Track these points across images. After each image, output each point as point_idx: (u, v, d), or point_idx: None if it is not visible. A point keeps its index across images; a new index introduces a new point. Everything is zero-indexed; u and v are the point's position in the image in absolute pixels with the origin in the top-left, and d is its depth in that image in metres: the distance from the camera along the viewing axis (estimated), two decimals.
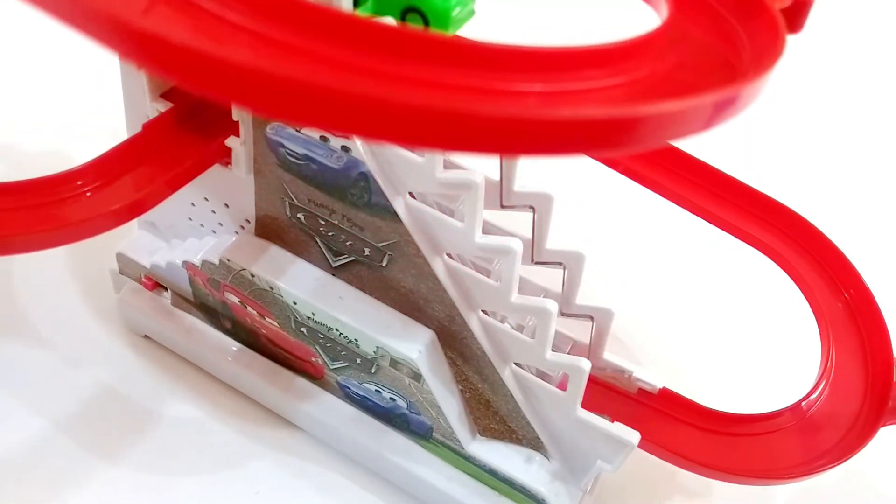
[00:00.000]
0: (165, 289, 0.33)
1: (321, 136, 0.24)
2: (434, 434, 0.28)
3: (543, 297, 0.27)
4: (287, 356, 0.31)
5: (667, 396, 0.29)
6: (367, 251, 0.26)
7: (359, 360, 0.28)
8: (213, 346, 0.32)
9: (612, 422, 0.26)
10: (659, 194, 0.31)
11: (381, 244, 0.26)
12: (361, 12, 0.21)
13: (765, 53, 0.17)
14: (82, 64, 0.43)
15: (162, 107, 0.26)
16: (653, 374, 0.29)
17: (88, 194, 0.24)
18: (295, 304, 0.27)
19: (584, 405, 0.26)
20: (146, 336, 0.34)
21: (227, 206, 0.30)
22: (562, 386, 0.26)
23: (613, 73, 0.16)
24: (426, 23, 0.21)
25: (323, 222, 0.27)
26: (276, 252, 0.28)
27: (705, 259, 0.40)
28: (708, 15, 0.19)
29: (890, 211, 0.46)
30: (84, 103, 0.43)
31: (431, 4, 0.21)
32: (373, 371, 0.28)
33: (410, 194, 0.24)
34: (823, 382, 0.29)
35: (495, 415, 0.28)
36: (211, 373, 0.33)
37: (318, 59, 0.14)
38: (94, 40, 0.13)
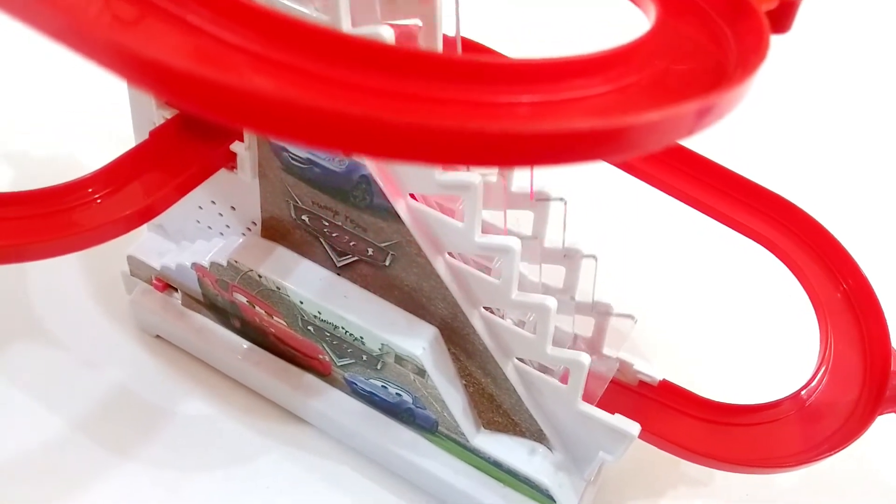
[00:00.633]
0: (176, 290, 0.33)
1: None
2: (440, 428, 0.29)
3: (543, 293, 0.27)
4: (295, 354, 0.31)
5: (667, 388, 0.30)
6: (370, 251, 0.27)
7: (365, 357, 0.28)
8: (224, 345, 0.33)
9: (613, 413, 0.26)
10: (655, 187, 0.31)
11: (383, 244, 0.26)
12: None
13: (750, 56, 0.17)
14: (82, 64, 0.43)
15: (168, 113, 0.27)
16: (653, 366, 0.30)
17: (99, 201, 0.24)
18: (301, 303, 0.28)
19: (592, 401, 0.26)
20: (158, 336, 0.34)
21: (233, 208, 0.30)
22: (564, 379, 0.26)
23: (603, 80, 0.16)
24: None
25: (327, 224, 0.27)
26: (282, 253, 0.29)
27: (704, 251, 0.40)
28: (697, 16, 0.19)
29: (887, 202, 0.46)
30: (84, 103, 0.44)
31: None
32: (379, 367, 0.28)
33: (411, 195, 0.25)
34: (822, 372, 0.29)
35: (499, 408, 0.28)
36: (222, 371, 0.33)
37: (304, 76, 0.14)
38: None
